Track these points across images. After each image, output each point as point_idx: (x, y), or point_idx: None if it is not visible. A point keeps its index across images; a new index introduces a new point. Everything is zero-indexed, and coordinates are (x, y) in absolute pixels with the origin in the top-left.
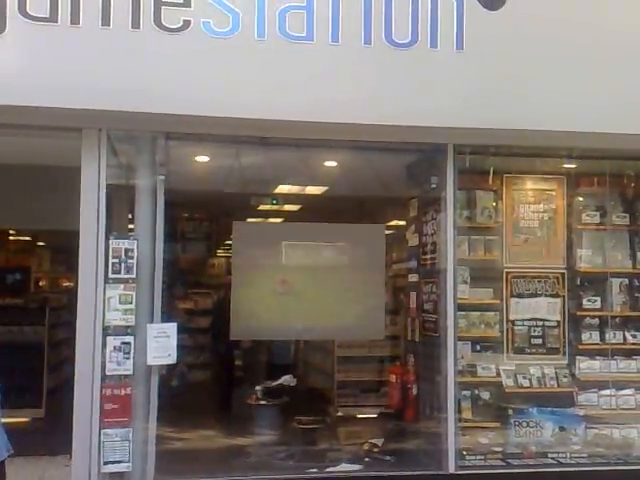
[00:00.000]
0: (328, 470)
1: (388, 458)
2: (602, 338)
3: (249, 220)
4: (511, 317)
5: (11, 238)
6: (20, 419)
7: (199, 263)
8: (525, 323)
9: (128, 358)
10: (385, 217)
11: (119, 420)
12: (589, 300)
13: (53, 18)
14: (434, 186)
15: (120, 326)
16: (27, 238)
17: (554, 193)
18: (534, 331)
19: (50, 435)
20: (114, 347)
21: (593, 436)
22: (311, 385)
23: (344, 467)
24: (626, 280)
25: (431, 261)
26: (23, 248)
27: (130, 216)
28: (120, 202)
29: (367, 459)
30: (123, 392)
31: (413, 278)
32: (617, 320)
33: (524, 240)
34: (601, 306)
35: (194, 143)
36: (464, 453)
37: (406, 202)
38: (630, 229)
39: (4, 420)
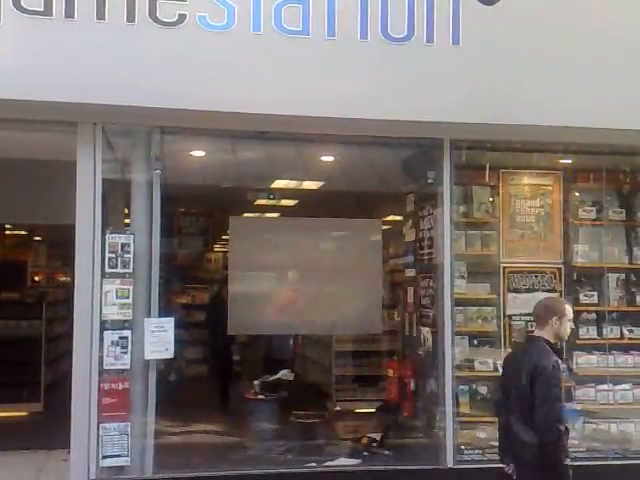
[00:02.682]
0: (326, 464)
1: (386, 452)
2: (599, 333)
3: (246, 215)
4: (508, 312)
5: (7, 233)
6: (18, 413)
7: (196, 258)
8: (522, 318)
9: (125, 352)
10: (382, 212)
11: (117, 414)
12: (586, 295)
13: (48, 12)
14: (431, 181)
15: (117, 320)
16: (23, 233)
17: (551, 188)
18: (531, 326)
19: (48, 429)
20: (111, 341)
21: (591, 431)
22: (309, 379)
23: (342, 461)
24: (623, 275)
25: (428, 256)
26: (19, 243)
27: (126, 211)
28: (116, 196)
29: (365, 453)
30: (121, 386)
31: (410, 273)
32: (614, 315)
33: (521, 235)
34: (598, 301)
35: (190, 137)
36: (462, 447)
37: (403, 197)
38: (626, 224)
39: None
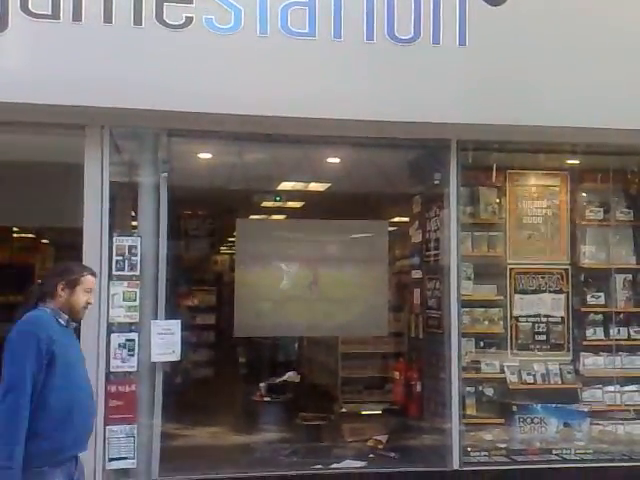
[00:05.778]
0: (332, 466)
1: (392, 454)
2: (606, 334)
3: (252, 217)
4: (515, 313)
5: (15, 235)
6: None
7: (202, 260)
8: (529, 319)
9: (132, 355)
10: (388, 213)
11: (124, 417)
12: (593, 296)
13: (55, 15)
14: (437, 182)
15: (124, 323)
16: (31, 235)
17: (557, 189)
18: (538, 327)
19: None
20: (118, 344)
21: (597, 432)
22: (315, 381)
23: (348, 463)
24: (630, 276)
25: (434, 257)
26: (27, 245)
27: (133, 213)
28: (123, 199)
29: (371, 455)
30: (127, 389)
31: (416, 274)
32: (621, 316)
33: (527, 236)
34: (605, 302)
35: (197, 140)
36: (468, 449)
37: (409, 198)
38: (634, 225)
39: None
